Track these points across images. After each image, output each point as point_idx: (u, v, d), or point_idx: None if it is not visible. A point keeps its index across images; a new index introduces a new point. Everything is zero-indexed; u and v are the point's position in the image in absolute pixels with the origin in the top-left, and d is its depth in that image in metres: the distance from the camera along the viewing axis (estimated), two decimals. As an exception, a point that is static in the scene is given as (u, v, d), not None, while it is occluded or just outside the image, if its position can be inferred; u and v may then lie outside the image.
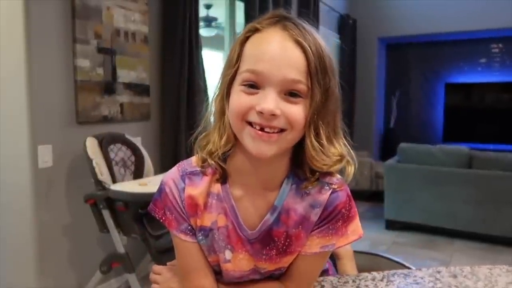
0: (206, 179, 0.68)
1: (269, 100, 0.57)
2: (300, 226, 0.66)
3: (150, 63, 2.62)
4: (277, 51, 0.58)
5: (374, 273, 0.82)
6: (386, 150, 5.90)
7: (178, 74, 2.66)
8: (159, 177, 2.10)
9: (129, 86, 2.48)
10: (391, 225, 3.70)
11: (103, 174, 1.96)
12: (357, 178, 4.71)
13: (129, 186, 1.86)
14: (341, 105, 0.66)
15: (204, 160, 0.67)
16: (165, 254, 2.05)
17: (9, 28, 1.98)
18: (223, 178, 0.67)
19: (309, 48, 0.58)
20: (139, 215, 1.96)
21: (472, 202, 3.30)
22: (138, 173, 2.23)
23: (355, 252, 1.01)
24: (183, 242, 0.69)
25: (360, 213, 3.15)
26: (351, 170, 0.66)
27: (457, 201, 3.37)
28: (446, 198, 3.41)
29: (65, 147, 2.15)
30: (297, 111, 0.59)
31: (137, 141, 2.47)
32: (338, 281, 0.79)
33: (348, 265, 0.92)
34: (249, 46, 0.61)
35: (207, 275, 0.70)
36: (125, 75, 2.44)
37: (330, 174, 0.66)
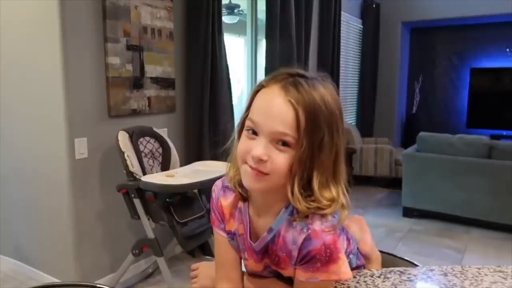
0: (234, 195, 0.82)
1: (259, 147, 0.68)
2: (285, 253, 0.75)
3: (175, 58, 2.75)
4: (271, 107, 0.68)
5: (373, 270, 0.94)
6: (408, 136, 5.90)
7: (202, 67, 2.78)
8: (186, 169, 2.26)
9: (156, 81, 2.62)
10: (409, 213, 3.78)
11: (134, 166, 2.13)
12: (377, 165, 4.78)
13: (158, 178, 2.02)
14: (343, 154, 0.73)
15: (230, 181, 0.81)
16: (190, 239, 2.23)
17: (46, 30, 2.14)
18: (244, 198, 0.80)
19: (299, 107, 0.66)
20: (167, 204, 2.13)
21: (490, 192, 3.34)
22: (165, 164, 2.39)
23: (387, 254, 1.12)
24: (221, 237, 0.85)
25: (378, 200, 3.31)
26: (344, 214, 0.73)
27: (475, 191, 3.41)
28: (464, 187, 3.45)
29: (99, 139, 2.32)
30: (281, 159, 0.68)
31: (164, 132, 2.63)
32: (341, 277, 0.91)
33: (375, 268, 1.03)
34: (257, 98, 0.72)
35: (236, 268, 0.84)
36: (152, 70, 2.58)
37: (321, 215, 0.71)
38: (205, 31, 2.74)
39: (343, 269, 0.72)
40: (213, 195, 0.86)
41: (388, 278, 0.91)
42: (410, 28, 6.34)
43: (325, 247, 0.70)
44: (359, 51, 5.73)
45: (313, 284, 0.73)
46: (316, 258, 0.70)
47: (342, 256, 0.72)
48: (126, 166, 2.12)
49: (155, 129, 2.45)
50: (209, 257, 2.88)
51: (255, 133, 0.70)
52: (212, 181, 2.03)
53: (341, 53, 4.87)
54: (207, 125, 2.87)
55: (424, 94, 6.39)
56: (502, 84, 5.79)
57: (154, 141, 2.39)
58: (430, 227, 3.54)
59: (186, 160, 2.78)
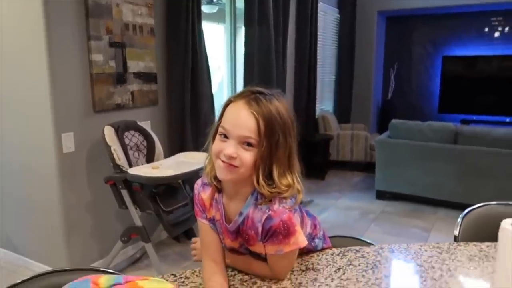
0: (211, 189, 1.01)
1: (230, 148, 0.87)
2: (253, 231, 0.94)
3: (157, 53, 2.85)
4: (238, 117, 0.88)
5: (334, 249, 1.11)
6: (384, 122, 6.13)
7: (183, 59, 2.88)
8: (170, 161, 2.40)
9: (139, 76, 2.72)
10: (381, 195, 4.02)
11: (120, 159, 2.25)
12: (353, 150, 5.00)
13: (143, 170, 2.15)
14: (295, 150, 0.93)
15: (207, 176, 1.00)
16: (175, 226, 2.38)
17: (31, 29, 2.21)
18: (219, 190, 0.99)
19: (261, 118, 0.86)
20: (153, 194, 2.27)
21: (455, 175, 3.59)
22: (150, 156, 2.52)
23: (332, 237, 1.29)
24: (204, 224, 1.03)
25: (354, 184, 3.58)
26: (299, 197, 0.93)
27: (442, 174, 3.66)
28: (433, 171, 3.70)
29: (85, 134, 2.43)
30: (247, 156, 0.87)
31: (147, 125, 2.75)
32: (306, 255, 1.08)
33: None
34: (227, 111, 0.91)
35: (218, 249, 1.02)
36: (134, 65, 2.68)
37: (281, 198, 0.91)
38: (185, 22, 2.84)
39: (300, 239, 0.92)
40: (196, 192, 1.04)
41: (345, 255, 1.08)
42: (386, 17, 6.52)
43: (282, 222, 0.89)
44: (336, 39, 5.88)
45: (280, 256, 0.93)
46: (277, 232, 0.90)
47: (298, 228, 0.91)
48: (113, 159, 2.24)
49: (139, 123, 2.57)
50: (193, 242, 3.05)
51: (226, 137, 0.89)
52: (195, 172, 2.20)
53: (318, 41, 5.01)
54: (188, 116, 2.99)
55: (399, 81, 6.62)
56: (472, 71, 6.06)
57: (139, 135, 2.50)
58: (401, 208, 3.79)
59: (170, 150, 2.91)
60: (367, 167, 4.95)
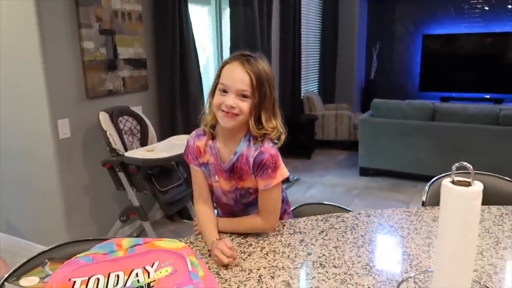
0: (205, 137, 1.21)
1: (230, 100, 1.09)
2: (247, 166, 1.14)
3: (145, 39, 2.92)
4: (234, 74, 1.09)
5: (318, 216, 1.27)
6: (367, 101, 6.31)
7: (171, 44, 2.97)
8: (163, 144, 2.52)
9: (129, 62, 2.80)
10: (364, 172, 4.22)
11: (116, 143, 2.36)
12: (337, 129, 5.17)
13: (139, 153, 2.27)
14: (277, 100, 1.17)
15: (205, 126, 1.21)
16: (171, 205, 2.52)
17: (24, 19, 2.27)
18: (213, 137, 1.20)
19: (253, 74, 1.08)
20: (149, 175, 2.40)
21: (434, 151, 3.80)
22: (144, 140, 2.63)
23: (320, 204, 1.46)
24: (196, 170, 1.22)
25: (338, 162, 3.80)
26: (283, 137, 1.16)
27: (421, 150, 3.87)
28: (412, 147, 3.90)
29: (80, 120, 2.52)
30: (245, 105, 1.09)
31: (138, 109, 2.85)
32: (294, 221, 1.24)
33: None
34: (224, 71, 1.12)
35: (208, 192, 1.23)
36: (124, 52, 2.76)
37: (269, 139, 1.15)
38: (172, 7, 2.91)
39: (284, 171, 1.15)
40: (190, 142, 1.23)
41: (328, 220, 1.24)
42: (368, -3, 6.62)
43: (271, 156, 1.12)
44: (320, 21, 5.98)
45: (269, 191, 1.14)
46: (266, 165, 1.12)
47: (281, 162, 1.15)
48: (109, 144, 2.35)
49: (131, 108, 2.67)
50: (187, 221, 3.20)
51: (225, 91, 1.10)
52: (188, 153, 2.31)
53: (302, 23, 5.10)
54: (178, 99, 3.09)
55: (381, 60, 6.78)
56: (452, 50, 6.25)
57: (132, 119, 2.61)
58: (383, 183, 4.00)
59: (162, 134, 3.02)
60: (351, 146, 5.14)
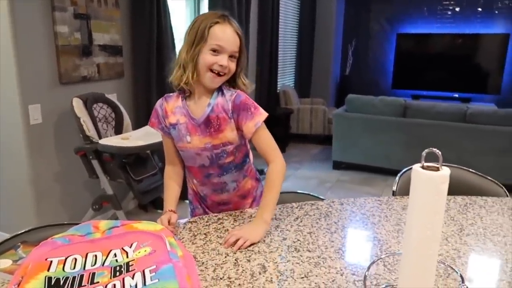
0: (175, 98, 1.20)
1: (224, 60, 1.11)
2: (224, 112, 1.15)
3: (122, 25, 2.87)
4: (229, 36, 1.11)
5: (293, 203, 1.30)
6: (342, 97, 6.42)
7: (148, 32, 2.93)
8: (139, 132, 2.49)
9: (104, 48, 2.74)
10: (337, 166, 4.31)
11: (90, 130, 2.32)
12: (312, 124, 5.25)
13: (114, 141, 2.24)
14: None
15: (177, 87, 1.17)
16: (145, 194, 2.50)
17: (-7, -1, 2.18)
18: (185, 97, 1.18)
19: (241, 35, 1.14)
20: (123, 163, 2.37)
21: (405, 146, 3.92)
22: (118, 128, 2.59)
23: (294, 193, 1.49)
24: (163, 137, 1.24)
25: (313, 155, 3.87)
26: (251, 87, 1.23)
27: (392, 145, 3.98)
28: (384, 142, 4.01)
29: (52, 105, 2.46)
30: (233, 65, 1.14)
31: (113, 97, 2.80)
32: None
33: None
34: (215, 31, 1.10)
35: (176, 155, 1.26)
36: (100, 38, 2.70)
37: (236, 89, 1.19)
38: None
39: (263, 110, 1.17)
40: (156, 107, 1.22)
41: (303, 208, 1.28)
42: (345, -6, 6.71)
43: (247, 98, 1.16)
44: (297, 16, 6.02)
45: (260, 130, 1.15)
46: (247, 105, 1.15)
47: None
48: (83, 131, 2.31)
49: (107, 95, 2.62)
50: (161, 211, 3.18)
51: (217, 52, 1.10)
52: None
53: (280, 17, 5.13)
54: (154, 88, 3.06)
55: (357, 57, 6.90)
56: (424, 49, 6.43)
57: (107, 107, 2.56)
58: (355, 177, 4.10)
59: (137, 122, 2.98)
60: (325, 140, 5.22)
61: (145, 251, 0.73)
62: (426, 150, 0.70)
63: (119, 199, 2.69)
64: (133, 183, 2.37)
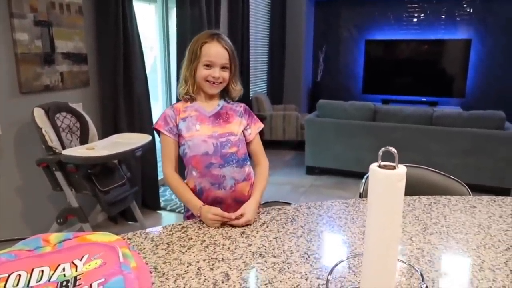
0: (182, 102, 1.38)
1: (216, 72, 1.31)
2: (232, 111, 1.38)
3: (86, 32, 2.80)
4: (217, 52, 1.31)
5: (260, 209, 1.28)
6: (314, 103, 6.49)
7: (114, 39, 2.86)
8: (105, 142, 2.42)
9: (68, 56, 2.66)
10: (311, 171, 4.32)
11: (52, 141, 2.23)
12: (285, 130, 5.26)
13: (78, 151, 2.15)
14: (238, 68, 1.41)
15: (183, 96, 1.38)
16: (113, 205, 2.42)
17: None
18: (191, 101, 1.38)
19: (229, 49, 1.32)
20: (89, 174, 2.29)
21: (375, 149, 3.97)
22: (83, 138, 2.51)
23: (270, 202, 1.47)
24: (166, 137, 1.34)
25: (286, 161, 3.88)
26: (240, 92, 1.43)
27: (363, 149, 4.04)
28: (355, 146, 4.06)
29: (12, 116, 2.35)
30: (226, 74, 1.33)
31: (79, 106, 2.71)
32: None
33: None
34: (205, 49, 1.31)
35: (176, 159, 1.35)
36: (62, 45, 2.62)
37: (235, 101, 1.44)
38: (115, 1, 2.81)
39: None
40: (167, 111, 1.36)
41: (269, 213, 1.26)
42: (315, 1, 6.82)
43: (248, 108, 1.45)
44: (268, 23, 6.06)
45: (257, 135, 1.41)
46: (252, 112, 1.44)
47: None
48: (45, 141, 2.22)
49: (71, 105, 2.53)
50: (131, 223, 3.09)
51: (209, 66, 1.30)
52: (131, 151, 2.25)
53: (250, 24, 5.14)
54: (122, 97, 2.99)
55: (327, 63, 7.01)
56: (392, 55, 6.60)
57: (71, 116, 2.48)
58: (328, 181, 4.13)
59: (104, 133, 2.90)
60: (298, 146, 5.25)
61: (96, 263, 0.69)
62: (383, 149, 0.69)
63: (87, 211, 2.60)
64: (100, 195, 2.29)
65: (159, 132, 1.35)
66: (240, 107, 1.42)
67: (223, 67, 1.31)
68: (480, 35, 6.11)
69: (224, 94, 1.40)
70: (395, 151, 0.68)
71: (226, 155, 1.31)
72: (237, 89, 1.39)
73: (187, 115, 1.34)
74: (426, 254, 1.01)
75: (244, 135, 1.39)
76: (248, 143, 1.40)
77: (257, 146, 1.42)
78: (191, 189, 1.33)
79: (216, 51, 1.30)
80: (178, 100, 1.42)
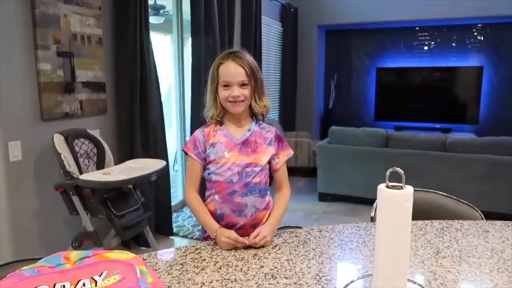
0: (213, 125, 1.39)
1: (235, 91, 1.31)
2: (262, 139, 1.37)
3: (105, 62, 2.92)
4: (233, 70, 1.31)
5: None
6: (326, 129, 6.52)
7: (131, 68, 2.97)
8: (120, 167, 2.48)
9: (87, 85, 2.77)
10: (323, 197, 4.31)
11: (71, 166, 2.30)
12: (297, 156, 5.29)
13: (95, 176, 2.22)
14: (263, 84, 1.41)
15: (211, 119, 1.38)
16: (127, 230, 2.45)
17: (-24, 38, 2.22)
18: (221, 124, 1.38)
19: (246, 66, 1.31)
20: (104, 199, 2.34)
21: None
22: (100, 163, 2.58)
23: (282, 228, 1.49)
24: (193, 160, 1.36)
25: (298, 188, 3.91)
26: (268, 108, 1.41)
27: (376, 175, 4.01)
28: (367, 172, 4.05)
29: (33, 142, 2.44)
30: (247, 92, 1.32)
31: (96, 133, 2.80)
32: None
33: None
34: (221, 70, 1.32)
35: (199, 183, 1.38)
36: (83, 75, 2.73)
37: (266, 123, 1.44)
38: (133, 32, 2.94)
39: None
40: (196, 134, 1.38)
41: (281, 236, 1.28)
42: (326, 30, 6.97)
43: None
44: (280, 51, 6.21)
45: (284, 162, 1.45)
46: (282, 138, 1.43)
47: None
48: (63, 166, 2.29)
49: (88, 131, 2.62)
50: (144, 248, 3.11)
51: (227, 86, 1.31)
52: (146, 176, 2.30)
53: (263, 53, 5.28)
54: (138, 124, 3.07)
55: (339, 90, 7.09)
56: (403, 82, 6.65)
57: (89, 142, 2.56)
58: (340, 208, 4.10)
59: (120, 158, 2.97)
60: (311, 172, 5.25)
61: (115, 279, 0.72)
62: (390, 170, 0.72)
63: (101, 236, 2.63)
64: (115, 219, 2.33)
65: (186, 154, 1.38)
66: (272, 133, 1.40)
67: (242, 85, 1.30)
68: (492, 62, 6.14)
69: (252, 113, 1.40)
70: (401, 171, 0.71)
71: (250, 184, 1.33)
72: (261, 105, 1.36)
73: (216, 141, 1.35)
74: (438, 277, 1.01)
75: (271, 163, 1.39)
76: (274, 171, 1.42)
77: (283, 175, 1.45)
78: (211, 212, 1.35)
79: (231, 70, 1.30)
80: (199, 123, 1.43)
